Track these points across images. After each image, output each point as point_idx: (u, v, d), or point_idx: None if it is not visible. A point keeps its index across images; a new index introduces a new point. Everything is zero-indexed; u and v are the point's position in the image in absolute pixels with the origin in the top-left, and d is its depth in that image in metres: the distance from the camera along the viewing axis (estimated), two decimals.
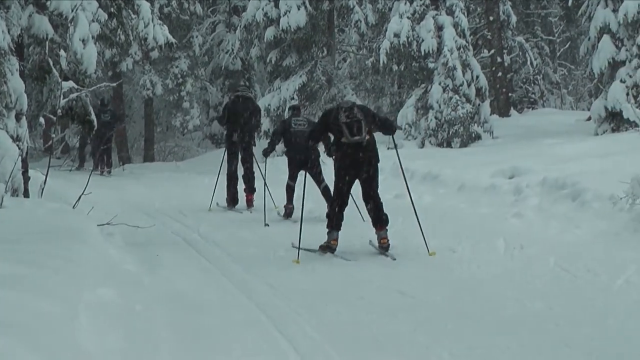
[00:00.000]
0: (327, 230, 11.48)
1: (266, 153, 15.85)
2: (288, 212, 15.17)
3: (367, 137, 11.23)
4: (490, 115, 26.86)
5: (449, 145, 24.55)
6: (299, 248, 11.06)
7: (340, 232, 11.42)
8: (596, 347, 6.45)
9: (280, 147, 21.42)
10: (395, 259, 10.80)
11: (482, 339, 6.78)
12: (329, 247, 11.37)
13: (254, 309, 7.98)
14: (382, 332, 7.05)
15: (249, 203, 16.53)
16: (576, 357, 6.27)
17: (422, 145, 24.70)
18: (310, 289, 8.94)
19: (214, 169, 17.38)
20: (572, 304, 7.94)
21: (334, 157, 11.66)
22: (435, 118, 24.53)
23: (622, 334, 6.80)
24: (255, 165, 16.82)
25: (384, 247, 11.25)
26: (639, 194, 10.77)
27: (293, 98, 28.24)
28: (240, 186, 16.68)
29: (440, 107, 24.46)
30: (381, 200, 11.66)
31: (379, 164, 11.67)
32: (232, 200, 16.65)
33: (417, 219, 11.54)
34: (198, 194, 18.63)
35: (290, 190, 15.24)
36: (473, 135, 25.01)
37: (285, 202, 15.30)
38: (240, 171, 16.66)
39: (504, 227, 12.10)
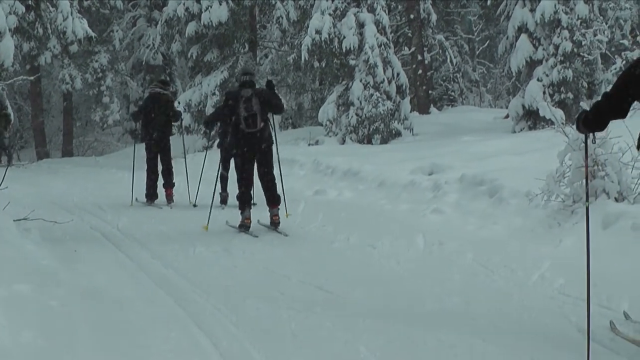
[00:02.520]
0: (240, 211, 12.68)
1: (206, 123, 16.32)
2: (223, 199, 15.81)
3: (262, 124, 12.28)
4: (411, 112, 27.11)
5: (369, 141, 24.69)
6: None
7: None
8: (511, 342, 6.55)
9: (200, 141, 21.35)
10: (287, 235, 12.07)
11: (400, 333, 6.83)
12: (244, 226, 12.52)
13: (173, 305, 7.94)
14: (300, 327, 7.07)
15: (169, 198, 16.50)
16: (492, 352, 6.36)
17: (343, 141, 24.81)
18: (230, 285, 8.93)
19: (136, 165, 17.27)
20: (489, 299, 8.03)
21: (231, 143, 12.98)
22: (356, 115, 24.65)
23: (536, 329, 6.91)
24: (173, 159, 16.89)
25: (275, 224, 12.54)
26: (554, 190, 10.96)
27: (214, 94, 28.20)
28: (160, 181, 16.63)
29: (361, 103, 24.60)
30: (275, 180, 12.67)
31: (273, 146, 12.70)
32: (152, 195, 16.57)
33: (282, 188, 12.86)
34: (117, 190, 18.52)
35: (224, 179, 15.80)
36: (393, 132, 25.19)
37: (220, 190, 15.78)
38: (159, 166, 16.64)
39: (423, 223, 12.20)
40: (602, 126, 6.45)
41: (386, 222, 12.55)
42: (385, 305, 7.93)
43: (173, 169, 16.72)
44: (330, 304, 7.95)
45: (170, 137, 16.76)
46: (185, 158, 17.57)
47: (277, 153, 13.19)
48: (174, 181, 16.64)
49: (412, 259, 10.13)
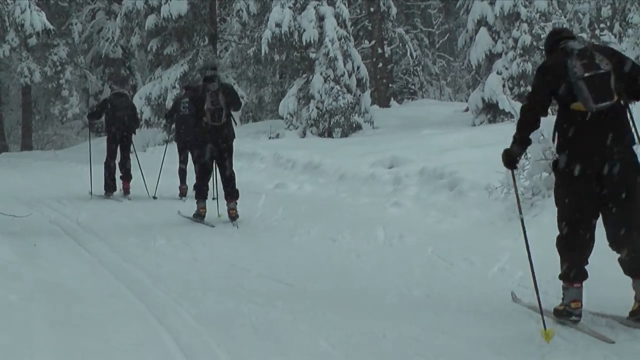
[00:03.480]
0: (196, 201, 13.11)
1: (167, 117, 17.66)
2: (182, 192, 16.09)
3: (225, 119, 12.51)
4: (371, 105, 27.11)
5: (330, 135, 24.69)
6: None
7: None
8: (471, 334, 6.58)
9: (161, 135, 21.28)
10: (238, 227, 12.30)
11: (360, 326, 6.84)
12: (199, 215, 12.93)
13: (133, 299, 7.91)
14: (261, 320, 7.07)
15: (126, 191, 16.53)
16: (452, 344, 6.39)
17: (304, 135, 24.79)
18: (191, 279, 8.91)
19: (94, 158, 17.13)
20: (449, 292, 8.06)
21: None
22: (317, 108, 24.63)
23: (497, 321, 6.94)
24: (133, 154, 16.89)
25: (232, 217, 12.73)
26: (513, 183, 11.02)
27: (174, 87, 28.08)
28: (118, 173, 16.63)
29: (321, 97, 24.58)
30: (235, 176, 12.88)
31: (234, 141, 12.99)
32: (110, 187, 16.57)
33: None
34: (77, 183, 18.43)
35: (182, 172, 16.18)
36: (354, 125, 25.19)
37: (179, 184, 16.20)
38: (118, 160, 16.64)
39: (384, 217, 12.22)
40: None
41: (346, 216, 12.58)
42: (346, 298, 7.95)
43: (131, 161, 16.70)
44: (291, 298, 7.96)
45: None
46: (136, 153, 17.41)
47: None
48: (131, 173, 16.65)
49: (372, 252, 10.16)
